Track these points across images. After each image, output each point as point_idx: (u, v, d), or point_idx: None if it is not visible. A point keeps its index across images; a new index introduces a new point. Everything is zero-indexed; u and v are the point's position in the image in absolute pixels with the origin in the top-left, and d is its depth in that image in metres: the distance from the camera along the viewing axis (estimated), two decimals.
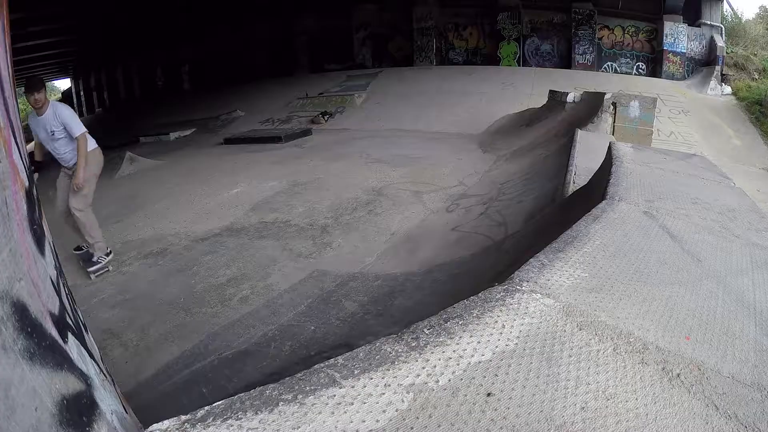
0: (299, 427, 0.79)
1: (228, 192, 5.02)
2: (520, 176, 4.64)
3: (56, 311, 0.88)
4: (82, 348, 0.95)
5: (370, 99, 11.93)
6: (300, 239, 3.62)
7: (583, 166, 3.50)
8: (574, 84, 10.62)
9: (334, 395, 0.86)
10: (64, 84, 31.81)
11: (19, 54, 14.40)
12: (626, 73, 12.83)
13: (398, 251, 3.32)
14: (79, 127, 3.27)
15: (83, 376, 0.84)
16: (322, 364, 0.95)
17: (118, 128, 15.08)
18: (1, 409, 0.60)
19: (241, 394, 0.86)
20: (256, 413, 0.81)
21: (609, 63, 12.99)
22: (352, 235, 3.67)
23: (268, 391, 0.87)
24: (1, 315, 0.64)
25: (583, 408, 0.88)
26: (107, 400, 0.91)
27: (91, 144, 3.41)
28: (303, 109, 12.15)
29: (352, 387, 0.89)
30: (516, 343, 1.04)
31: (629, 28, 12.83)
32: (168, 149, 9.51)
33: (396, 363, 0.96)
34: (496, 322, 1.11)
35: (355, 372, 0.93)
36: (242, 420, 0.80)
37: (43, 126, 3.21)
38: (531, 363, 0.99)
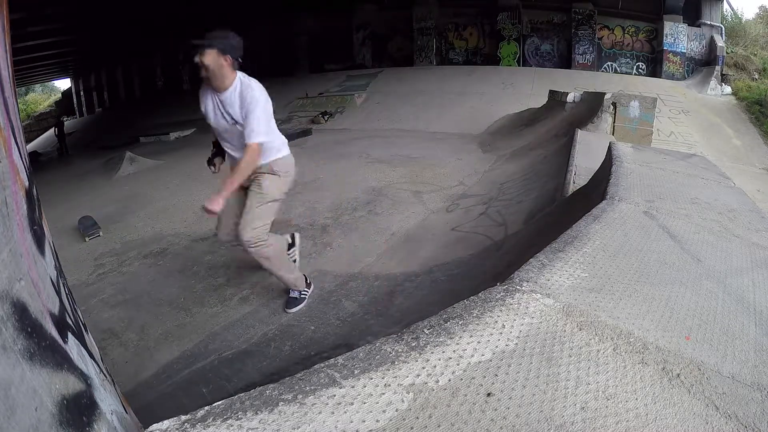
0: (299, 427, 0.79)
1: None
2: (520, 176, 4.64)
3: (56, 311, 0.88)
4: (82, 348, 0.95)
5: (370, 99, 11.92)
6: (300, 239, 3.61)
7: (583, 166, 3.49)
8: (574, 84, 10.62)
9: (334, 395, 0.86)
10: (64, 84, 31.80)
11: (19, 54, 14.39)
12: (626, 73, 12.82)
13: (398, 251, 3.32)
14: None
15: (83, 376, 0.84)
16: (322, 364, 0.95)
17: (118, 128, 15.12)
18: (1, 409, 0.60)
19: (241, 394, 0.86)
20: (256, 413, 0.81)
21: (609, 63, 12.99)
22: (352, 235, 3.67)
23: (268, 391, 0.87)
24: (1, 315, 0.64)
25: (583, 408, 0.88)
26: (107, 400, 0.91)
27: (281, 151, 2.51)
28: (303, 109, 12.15)
29: (352, 387, 0.89)
30: (516, 343, 1.04)
31: (629, 28, 12.82)
32: (168, 149, 9.50)
33: (396, 363, 0.96)
34: (496, 322, 1.11)
35: (355, 372, 0.93)
36: (242, 420, 0.80)
37: (216, 106, 2.30)
38: (531, 363, 0.99)
